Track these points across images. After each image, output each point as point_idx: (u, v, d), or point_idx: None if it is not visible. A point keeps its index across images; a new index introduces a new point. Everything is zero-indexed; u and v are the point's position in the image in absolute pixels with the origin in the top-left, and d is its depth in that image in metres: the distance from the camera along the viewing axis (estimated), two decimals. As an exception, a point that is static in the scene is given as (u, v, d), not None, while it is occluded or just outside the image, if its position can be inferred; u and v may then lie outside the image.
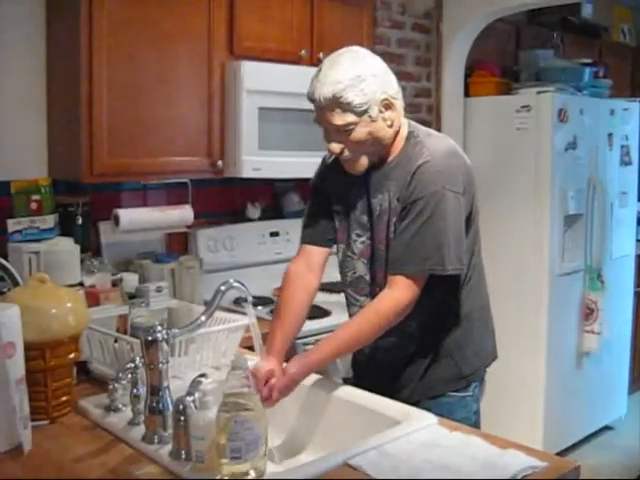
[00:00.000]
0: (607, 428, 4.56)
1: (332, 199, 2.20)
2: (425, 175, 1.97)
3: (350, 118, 1.94)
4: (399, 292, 1.96)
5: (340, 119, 1.95)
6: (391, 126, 2.01)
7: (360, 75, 1.93)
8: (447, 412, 1.94)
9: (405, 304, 1.96)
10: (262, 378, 1.88)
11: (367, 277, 2.15)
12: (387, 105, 1.98)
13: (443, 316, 2.12)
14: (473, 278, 2.14)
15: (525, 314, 3.99)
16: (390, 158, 2.07)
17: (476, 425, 2.12)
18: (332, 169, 2.18)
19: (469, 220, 2.06)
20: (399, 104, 2.03)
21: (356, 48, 2.04)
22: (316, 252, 2.21)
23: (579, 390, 4.24)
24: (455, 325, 2.13)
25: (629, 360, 4.75)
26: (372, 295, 2.12)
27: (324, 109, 1.97)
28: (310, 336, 3.00)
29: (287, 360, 1.98)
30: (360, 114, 1.94)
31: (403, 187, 2.00)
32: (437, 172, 1.96)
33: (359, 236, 2.13)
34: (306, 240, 2.24)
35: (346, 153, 2.02)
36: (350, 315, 2.24)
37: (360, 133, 1.97)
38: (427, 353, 2.14)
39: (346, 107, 1.93)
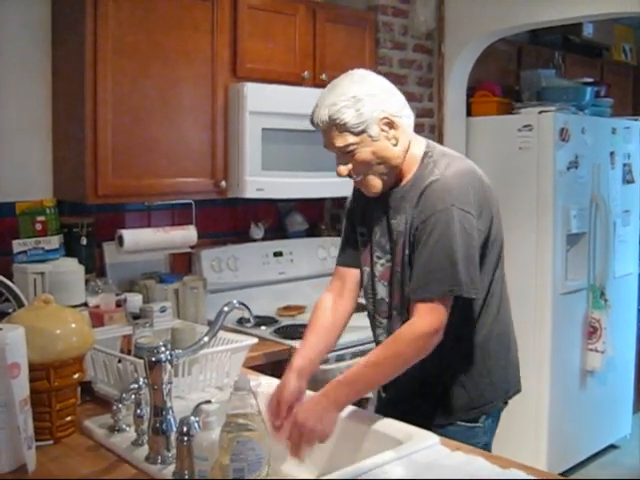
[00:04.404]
0: (612, 447, 4.54)
1: (358, 221, 2.21)
2: (433, 193, 1.94)
3: (350, 139, 1.95)
4: (418, 318, 1.90)
5: (340, 140, 1.97)
6: (396, 145, 2.00)
7: (355, 96, 1.94)
8: (456, 438, 1.89)
9: (426, 330, 1.88)
10: (287, 399, 1.94)
11: (387, 299, 2.13)
12: (388, 124, 1.97)
13: (456, 344, 2.03)
14: (491, 306, 2.09)
15: (528, 333, 3.99)
16: (406, 179, 2.05)
17: None
18: (359, 191, 2.17)
19: (487, 243, 2.02)
20: (403, 122, 2.01)
21: (357, 70, 2.05)
22: (350, 274, 2.23)
23: (583, 409, 4.22)
24: (468, 353, 2.07)
25: (633, 379, 4.74)
26: (390, 317, 2.12)
27: (325, 132, 1.99)
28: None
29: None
30: (358, 134, 1.95)
31: (415, 207, 1.99)
32: (445, 190, 1.93)
33: (379, 258, 2.13)
34: (340, 262, 2.28)
35: (354, 175, 2.03)
36: (375, 337, 2.24)
37: (364, 153, 1.97)
38: (438, 380, 2.09)
39: (343, 128, 1.94)
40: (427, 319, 1.89)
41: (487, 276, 2.05)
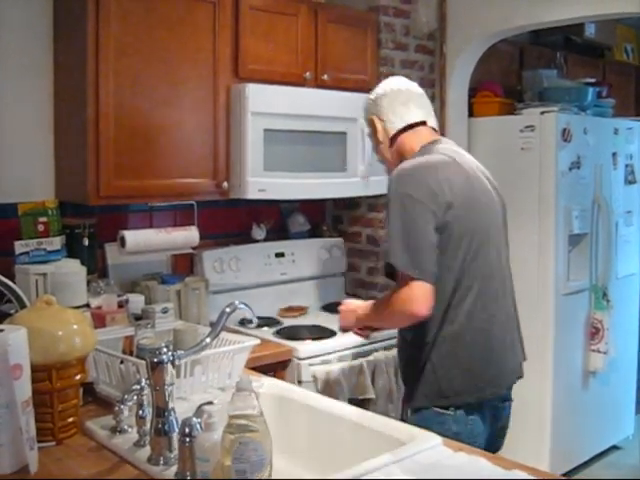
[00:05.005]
0: (615, 448, 4.54)
1: None
2: (390, 181, 2.24)
3: (366, 129, 2.52)
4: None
5: None
6: (378, 144, 2.43)
7: (366, 98, 2.47)
8: (424, 425, 1.99)
9: (397, 294, 2.15)
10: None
11: None
12: (371, 125, 2.43)
13: (431, 330, 2.19)
14: (467, 301, 2.19)
15: (531, 334, 3.94)
16: None
17: None
18: None
19: (445, 231, 2.15)
20: (386, 126, 2.39)
21: (390, 78, 2.52)
22: None
23: (586, 410, 4.22)
24: (442, 342, 2.20)
25: (636, 379, 4.73)
26: None
27: None
28: (316, 356, 3.00)
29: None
30: (368, 127, 2.47)
31: None
32: (398, 178, 2.21)
33: None
34: None
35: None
36: None
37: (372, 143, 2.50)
38: (416, 362, 2.25)
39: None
40: (399, 284, 2.16)
41: (452, 266, 2.17)
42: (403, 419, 2.29)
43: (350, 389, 3.02)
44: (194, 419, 1.56)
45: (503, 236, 2.38)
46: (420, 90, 2.46)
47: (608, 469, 4.30)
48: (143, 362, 1.88)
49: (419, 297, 2.11)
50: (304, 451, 2.02)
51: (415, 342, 2.25)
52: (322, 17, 3.47)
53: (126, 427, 1.86)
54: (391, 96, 2.39)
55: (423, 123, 2.39)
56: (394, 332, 3.11)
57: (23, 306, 2.31)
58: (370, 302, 2.43)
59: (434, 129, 2.43)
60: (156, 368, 1.70)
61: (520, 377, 2.36)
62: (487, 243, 2.24)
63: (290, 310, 3.56)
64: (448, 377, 2.19)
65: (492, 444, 2.27)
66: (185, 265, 3.44)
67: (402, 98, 2.39)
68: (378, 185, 3.48)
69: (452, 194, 2.16)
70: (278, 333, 3.18)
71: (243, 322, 2.99)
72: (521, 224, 3.93)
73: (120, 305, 2.70)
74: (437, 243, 2.13)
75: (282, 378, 2.81)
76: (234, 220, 3.66)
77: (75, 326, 1.90)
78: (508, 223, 2.44)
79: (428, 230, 2.13)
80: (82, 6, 2.72)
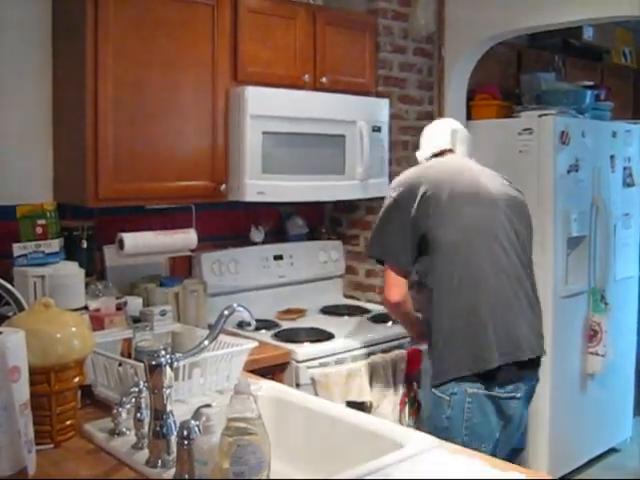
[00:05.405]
0: (613, 450, 4.54)
1: None
2: None
3: None
4: None
5: None
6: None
7: None
8: (431, 407, 2.48)
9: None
10: None
11: None
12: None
13: (427, 318, 2.57)
14: (452, 287, 2.48)
15: (529, 336, 3.98)
16: None
17: (445, 430, 2.32)
18: None
19: (415, 229, 2.53)
20: (421, 156, 2.91)
21: (435, 120, 3.10)
22: None
23: (584, 412, 4.22)
24: (436, 328, 2.51)
25: (634, 382, 4.73)
26: None
27: None
28: (314, 359, 3.00)
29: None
30: None
31: None
32: (391, 184, 2.73)
33: None
34: None
35: None
36: None
37: None
38: (430, 347, 2.59)
39: None
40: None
41: (437, 249, 2.50)
42: (401, 422, 2.34)
43: (348, 392, 3.02)
44: (192, 422, 1.56)
45: (502, 226, 2.57)
46: (456, 127, 2.94)
47: (607, 472, 4.29)
48: (141, 364, 1.88)
49: (390, 284, 2.60)
50: (302, 453, 2.02)
51: (424, 327, 2.61)
52: (320, 20, 3.48)
53: (124, 430, 1.86)
54: (426, 134, 2.95)
55: (450, 150, 2.85)
56: (392, 334, 3.13)
57: (21, 308, 2.31)
58: None
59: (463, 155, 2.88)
60: (154, 371, 1.70)
61: (517, 361, 2.49)
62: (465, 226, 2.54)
63: (288, 313, 3.56)
64: (444, 353, 2.48)
65: (509, 440, 2.51)
66: (183, 267, 3.44)
67: (431, 134, 2.92)
68: (377, 188, 3.49)
69: (431, 201, 2.52)
70: (276, 336, 3.18)
71: (241, 325, 2.98)
72: (519, 227, 3.93)
73: (118, 307, 2.70)
74: (415, 240, 2.53)
75: (280, 381, 2.81)
76: (232, 222, 3.66)
77: (73, 328, 1.90)
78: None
79: (402, 228, 2.55)
80: (81, 9, 2.72)
